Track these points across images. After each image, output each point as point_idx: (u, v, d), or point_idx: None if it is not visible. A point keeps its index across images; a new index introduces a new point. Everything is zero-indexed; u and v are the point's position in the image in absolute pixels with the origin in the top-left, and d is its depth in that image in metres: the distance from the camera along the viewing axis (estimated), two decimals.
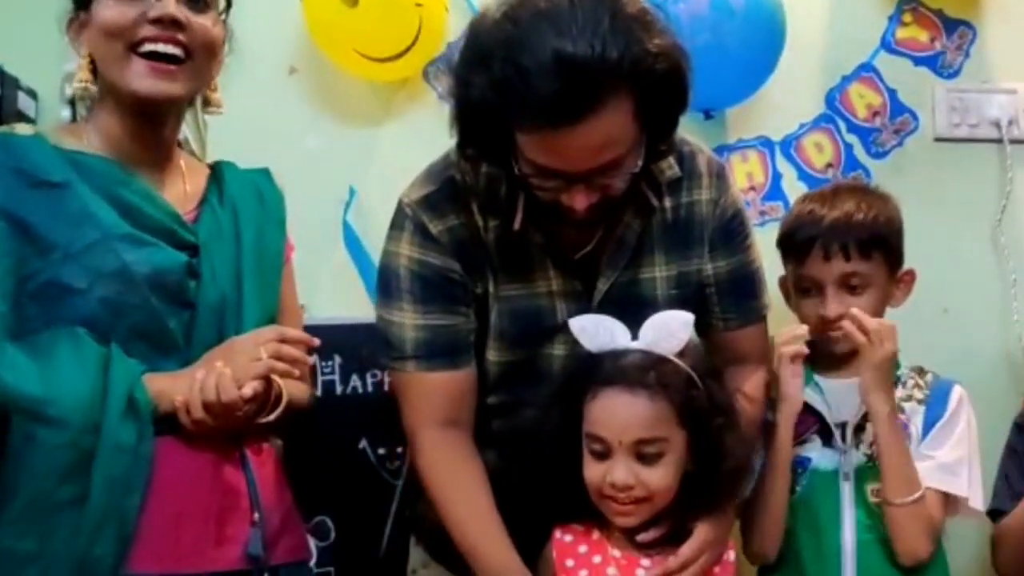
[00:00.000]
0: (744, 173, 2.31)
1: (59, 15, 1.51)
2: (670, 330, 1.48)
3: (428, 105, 2.23)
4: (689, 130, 1.62)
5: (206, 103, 1.59)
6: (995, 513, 1.84)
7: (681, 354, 1.49)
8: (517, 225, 1.54)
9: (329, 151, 2.22)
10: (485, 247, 1.60)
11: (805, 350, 1.75)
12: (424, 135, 2.08)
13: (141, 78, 1.45)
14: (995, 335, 2.32)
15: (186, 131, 1.63)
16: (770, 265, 1.80)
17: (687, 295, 1.64)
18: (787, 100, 2.31)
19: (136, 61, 1.45)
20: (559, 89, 1.33)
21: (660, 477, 1.46)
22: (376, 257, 1.68)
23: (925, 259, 1.92)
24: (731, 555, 1.54)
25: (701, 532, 1.50)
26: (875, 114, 2.35)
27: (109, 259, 1.41)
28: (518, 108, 1.36)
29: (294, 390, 1.52)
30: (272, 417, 1.48)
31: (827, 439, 1.80)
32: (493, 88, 1.37)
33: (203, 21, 1.48)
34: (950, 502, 1.77)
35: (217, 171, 1.62)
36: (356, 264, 2.18)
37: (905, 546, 1.71)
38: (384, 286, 1.62)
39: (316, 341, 1.55)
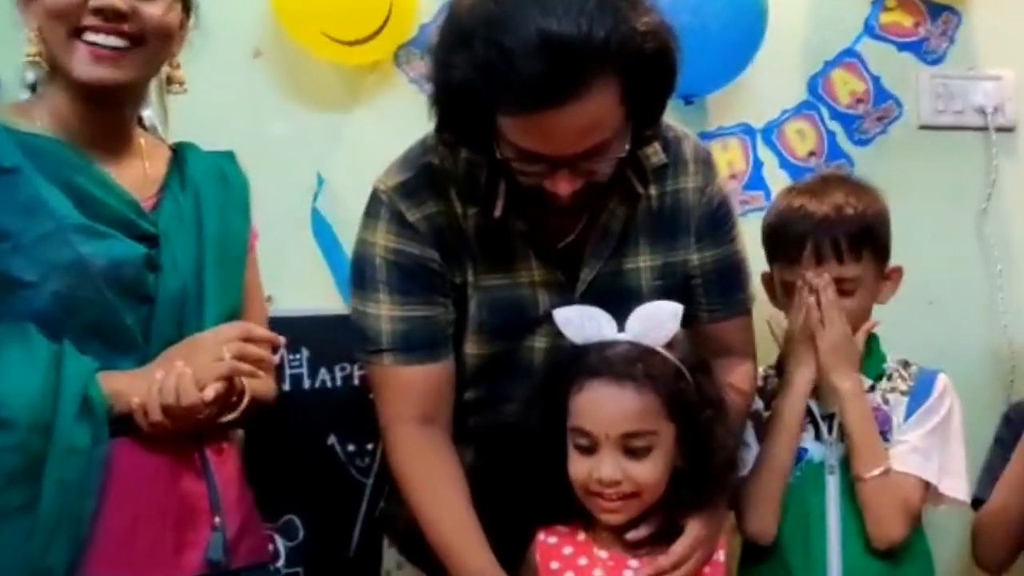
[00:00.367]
0: (725, 161, 2.26)
1: None
2: (658, 321, 1.47)
3: (399, 90, 2.18)
4: (669, 116, 1.58)
5: (169, 81, 1.53)
6: (977, 503, 1.85)
7: (669, 346, 1.47)
8: (498, 212, 1.52)
9: (296, 137, 2.16)
10: (464, 235, 1.57)
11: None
12: (395, 121, 2.04)
13: (84, 64, 1.40)
14: (981, 326, 2.31)
15: (150, 110, 1.58)
16: (751, 258, 1.76)
17: (672, 286, 1.62)
18: (768, 86, 2.28)
19: (79, 47, 1.39)
20: (544, 70, 1.30)
21: (648, 472, 1.45)
22: (345, 246, 1.63)
23: (909, 250, 1.90)
24: (721, 555, 1.52)
25: (693, 529, 1.48)
26: (858, 101, 2.32)
27: (63, 251, 1.36)
28: (501, 90, 1.33)
29: (258, 386, 1.49)
30: (234, 416, 1.45)
31: (819, 431, 1.80)
32: (475, 70, 1.34)
33: (152, 10, 1.42)
34: (933, 490, 1.76)
35: (179, 153, 1.57)
36: (324, 254, 2.13)
37: (877, 526, 1.71)
38: (359, 276, 1.59)
39: (282, 340, 1.52)
